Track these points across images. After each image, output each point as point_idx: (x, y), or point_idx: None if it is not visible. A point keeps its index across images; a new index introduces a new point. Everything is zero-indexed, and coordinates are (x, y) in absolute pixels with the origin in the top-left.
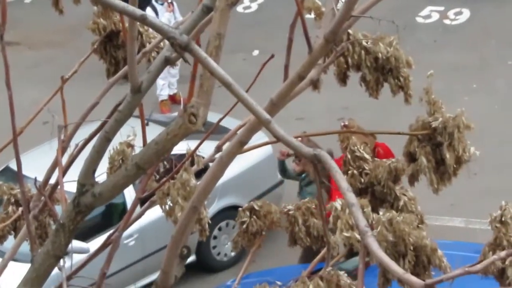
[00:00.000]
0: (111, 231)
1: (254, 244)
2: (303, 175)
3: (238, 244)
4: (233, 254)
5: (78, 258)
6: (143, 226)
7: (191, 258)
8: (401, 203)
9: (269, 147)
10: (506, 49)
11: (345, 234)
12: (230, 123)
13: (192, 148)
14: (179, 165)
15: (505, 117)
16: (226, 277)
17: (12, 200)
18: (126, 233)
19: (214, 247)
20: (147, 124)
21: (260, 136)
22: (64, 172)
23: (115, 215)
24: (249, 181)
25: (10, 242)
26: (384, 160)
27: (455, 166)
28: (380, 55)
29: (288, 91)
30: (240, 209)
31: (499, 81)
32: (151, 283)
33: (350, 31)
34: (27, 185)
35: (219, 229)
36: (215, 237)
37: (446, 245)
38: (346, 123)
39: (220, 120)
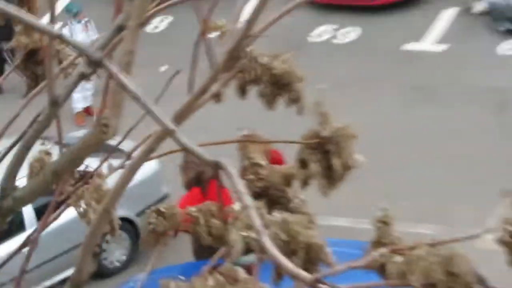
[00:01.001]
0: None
1: (160, 243)
2: None
3: (146, 243)
4: (123, 258)
5: None
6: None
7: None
8: (293, 205)
9: (155, 163)
10: (392, 66)
11: (243, 233)
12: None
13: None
14: (92, 171)
15: (387, 126)
16: (118, 280)
17: None
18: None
19: (105, 258)
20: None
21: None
22: None
23: (13, 223)
24: (136, 195)
25: None
26: (279, 166)
27: (342, 171)
28: (275, 71)
29: (192, 103)
30: (148, 211)
31: (384, 96)
32: (66, 278)
33: (249, 49)
34: None
35: (106, 241)
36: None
37: (333, 243)
38: (245, 133)
39: (130, 130)
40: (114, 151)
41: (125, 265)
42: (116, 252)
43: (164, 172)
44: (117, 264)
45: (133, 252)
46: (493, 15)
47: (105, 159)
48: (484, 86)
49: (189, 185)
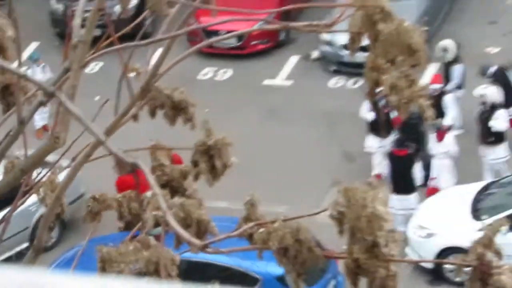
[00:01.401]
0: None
1: (95, 220)
2: None
3: (86, 219)
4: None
5: None
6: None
7: (25, 245)
8: (188, 192)
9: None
10: (255, 96)
11: (154, 212)
12: None
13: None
14: (48, 170)
15: (252, 138)
16: (53, 255)
17: None
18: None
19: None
20: None
21: None
22: None
23: None
24: None
25: None
26: (178, 165)
27: (222, 169)
28: (175, 99)
29: (117, 122)
30: (88, 196)
31: (250, 117)
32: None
33: (156, 84)
34: None
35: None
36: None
37: (217, 219)
38: (154, 142)
39: (74, 141)
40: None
41: (56, 243)
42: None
43: (82, 175)
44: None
45: (61, 234)
46: (324, 59)
47: (57, 161)
48: (319, 111)
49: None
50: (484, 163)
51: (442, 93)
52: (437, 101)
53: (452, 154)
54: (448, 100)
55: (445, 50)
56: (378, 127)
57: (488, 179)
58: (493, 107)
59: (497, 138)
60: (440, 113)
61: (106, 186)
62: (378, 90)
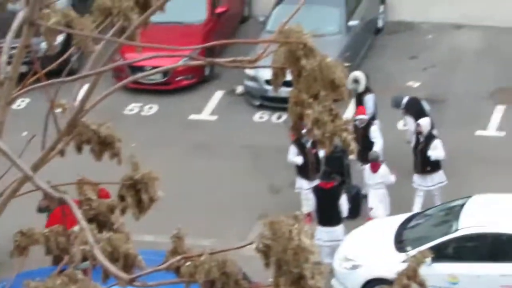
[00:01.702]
0: None
1: (23, 254)
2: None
3: (14, 254)
4: None
5: None
6: None
7: None
8: (116, 226)
9: None
10: (181, 130)
11: (81, 247)
12: None
13: None
14: None
15: (178, 172)
16: None
17: None
18: None
19: None
20: None
21: None
22: None
23: None
24: None
25: None
26: (105, 200)
27: (149, 203)
28: (101, 134)
29: (44, 157)
30: (15, 232)
31: (176, 151)
32: None
33: (83, 119)
34: None
35: None
36: None
37: (144, 253)
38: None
39: (1, 176)
40: None
41: None
42: None
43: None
44: None
45: None
46: (249, 94)
47: None
48: (245, 145)
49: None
50: (419, 191)
51: (368, 124)
52: (364, 132)
53: (388, 184)
54: (374, 131)
55: (356, 81)
56: (307, 169)
57: (418, 206)
58: (430, 137)
59: (434, 166)
60: (368, 144)
61: (33, 221)
62: (303, 128)
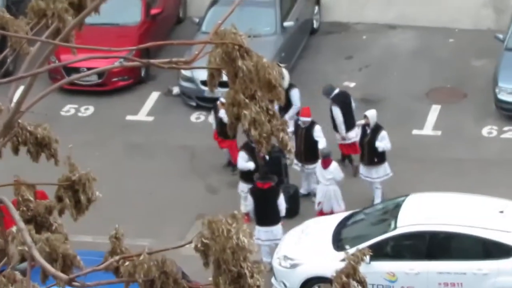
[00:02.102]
0: None
1: None
2: None
3: None
4: None
5: None
6: None
7: None
8: (54, 227)
9: None
10: (118, 131)
11: (19, 247)
12: None
13: None
14: None
15: (116, 172)
16: None
17: None
18: None
19: None
20: None
21: None
22: None
23: None
24: None
25: None
26: (43, 201)
27: (86, 203)
28: (38, 135)
29: None
30: None
31: (113, 151)
32: None
33: (19, 121)
34: None
35: None
36: None
37: (82, 253)
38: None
39: None
40: None
41: None
42: None
43: None
44: None
45: None
46: (185, 95)
47: None
48: (182, 144)
49: None
50: (376, 183)
51: (311, 125)
52: (307, 132)
53: (338, 180)
54: (318, 130)
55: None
56: (253, 174)
57: (378, 199)
58: (376, 128)
59: (380, 158)
60: (311, 144)
61: None
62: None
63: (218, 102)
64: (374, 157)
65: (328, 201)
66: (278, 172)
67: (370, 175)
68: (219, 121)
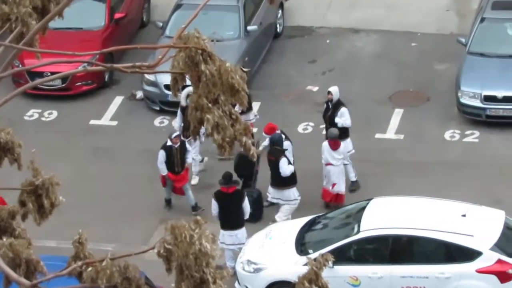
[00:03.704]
0: None
1: None
2: None
3: None
4: None
5: None
6: None
7: None
8: (17, 232)
9: None
10: (83, 135)
11: None
12: None
13: None
14: None
15: (80, 177)
16: None
17: None
18: None
19: None
20: None
21: None
22: None
23: None
24: None
25: None
26: (4, 205)
27: (50, 208)
28: (1, 140)
29: None
30: None
31: (78, 156)
32: None
33: None
34: None
35: None
36: None
37: (46, 258)
38: None
39: None
40: None
41: None
42: None
43: None
44: None
45: None
46: (149, 99)
47: None
48: (146, 148)
49: None
50: (345, 160)
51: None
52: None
53: (346, 158)
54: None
55: None
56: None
57: (352, 174)
58: (337, 104)
59: (342, 134)
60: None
61: None
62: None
63: None
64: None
65: (341, 181)
66: (249, 176)
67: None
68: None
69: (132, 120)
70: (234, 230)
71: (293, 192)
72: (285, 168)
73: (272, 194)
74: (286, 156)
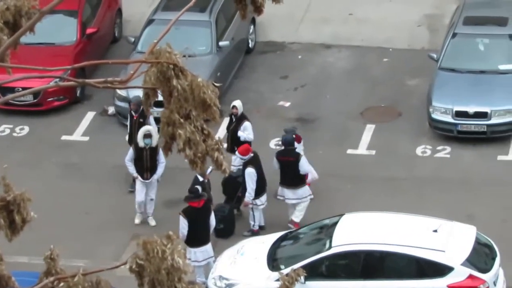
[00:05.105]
0: None
1: None
2: None
3: None
4: None
5: None
6: None
7: None
8: None
9: None
10: (54, 151)
11: None
12: None
13: None
14: None
15: (50, 192)
16: None
17: None
18: None
19: None
20: None
21: None
22: None
23: None
24: None
25: None
26: None
27: (21, 224)
28: None
29: None
30: None
31: (48, 171)
32: None
33: None
34: None
35: None
36: None
37: (17, 274)
38: None
39: None
40: None
41: None
42: None
43: None
44: None
45: None
46: (120, 115)
47: None
48: (117, 164)
49: None
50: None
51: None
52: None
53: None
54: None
55: None
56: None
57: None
58: (241, 118)
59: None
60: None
61: None
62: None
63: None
64: (235, 146)
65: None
66: (233, 194)
67: (234, 163)
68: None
69: (104, 135)
70: (204, 246)
71: (307, 189)
72: (307, 165)
73: (287, 195)
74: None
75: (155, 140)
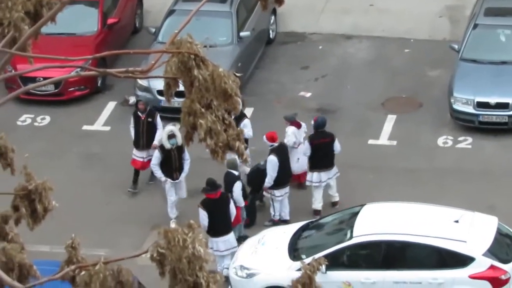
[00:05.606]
0: None
1: None
2: None
3: None
4: None
5: None
6: None
7: None
8: (10, 237)
9: None
10: (75, 140)
11: None
12: None
13: None
14: None
15: (71, 181)
16: None
17: None
18: None
19: None
20: None
21: None
22: None
23: None
24: None
25: None
26: None
27: (43, 213)
28: None
29: None
30: None
31: (70, 161)
32: None
33: None
34: None
35: None
36: None
37: (38, 263)
38: None
39: None
40: None
41: None
42: None
43: None
44: None
45: None
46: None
47: None
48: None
49: None
50: None
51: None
52: None
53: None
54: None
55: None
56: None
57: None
58: (240, 116)
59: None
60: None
61: None
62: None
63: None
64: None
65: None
66: (259, 186)
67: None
68: None
69: (125, 125)
70: (226, 235)
71: (336, 167)
72: (339, 146)
73: (323, 178)
74: None
75: (179, 138)
